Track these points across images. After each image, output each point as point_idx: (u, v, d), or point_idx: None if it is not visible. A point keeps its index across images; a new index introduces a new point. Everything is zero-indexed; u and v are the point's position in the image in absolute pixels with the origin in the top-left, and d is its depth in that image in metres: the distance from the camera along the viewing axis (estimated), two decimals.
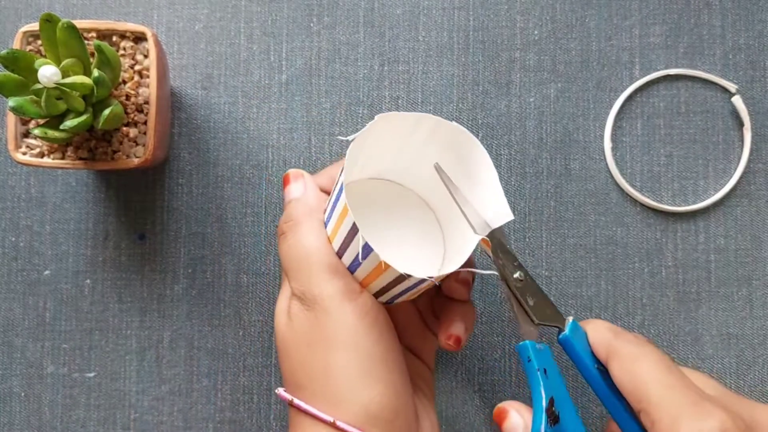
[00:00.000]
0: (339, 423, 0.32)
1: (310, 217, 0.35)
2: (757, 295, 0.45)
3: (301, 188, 0.37)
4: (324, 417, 0.33)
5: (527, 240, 0.45)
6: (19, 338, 0.45)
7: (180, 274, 0.45)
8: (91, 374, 0.45)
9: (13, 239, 0.45)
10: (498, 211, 0.35)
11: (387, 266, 0.32)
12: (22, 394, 0.45)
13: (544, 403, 0.34)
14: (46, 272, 0.45)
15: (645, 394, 0.32)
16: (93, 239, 0.45)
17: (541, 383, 0.34)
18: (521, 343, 0.35)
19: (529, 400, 0.35)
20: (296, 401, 0.34)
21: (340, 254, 0.35)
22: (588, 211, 0.45)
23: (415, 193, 0.41)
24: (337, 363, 0.33)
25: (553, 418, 0.34)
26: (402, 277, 0.32)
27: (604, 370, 0.35)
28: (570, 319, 0.36)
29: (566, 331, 0.36)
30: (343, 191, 0.32)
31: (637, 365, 0.33)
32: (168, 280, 0.45)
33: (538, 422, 0.33)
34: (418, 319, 0.40)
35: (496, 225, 0.35)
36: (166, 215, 0.46)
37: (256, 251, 0.45)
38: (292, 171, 0.38)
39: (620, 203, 0.45)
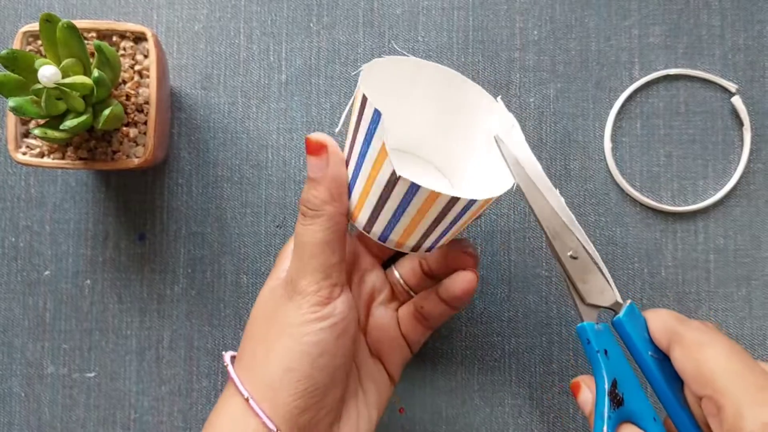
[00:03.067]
0: (251, 402, 0.34)
1: (329, 209, 0.35)
2: (757, 295, 0.45)
3: (323, 167, 0.35)
4: (241, 390, 0.35)
5: (527, 240, 0.45)
6: (18, 338, 0.45)
7: (180, 274, 0.45)
8: (91, 374, 0.45)
9: (13, 239, 0.45)
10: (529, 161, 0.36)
11: (437, 195, 0.32)
12: (22, 394, 0.45)
13: (606, 386, 0.33)
14: (46, 272, 0.45)
15: (710, 381, 0.31)
16: (93, 239, 0.45)
17: (603, 365, 0.34)
18: (579, 324, 0.35)
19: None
20: (229, 366, 0.36)
21: (380, 206, 0.34)
22: (587, 212, 0.45)
23: (419, 156, 0.41)
24: (278, 352, 0.34)
25: (617, 401, 0.33)
26: (448, 207, 0.33)
27: (658, 358, 0.35)
28: (628, 302, 0.36)
29: (621, 314, 0.35)
30: (375, 136, 0.32)
31: (703, 351, 0.32)
32: (168, 280, 0.45)
33: (601, 406, 0.33)
34: (396, 328, 0.41)
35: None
36: (165, 215, 0.46)
37: (256, 251, 0.45)
38: (313, 137, 0.35)
39: (620, 203, 0.45)
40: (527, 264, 0.45)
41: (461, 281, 0.38)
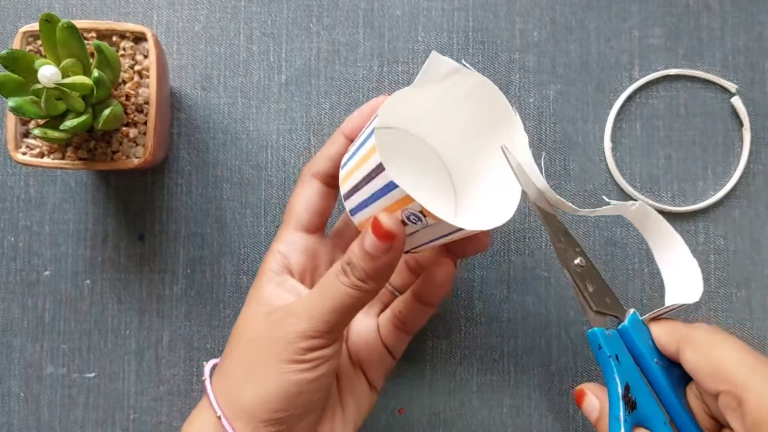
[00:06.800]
0: (224, 420, 0.34)
1: (373, 286, 0.34)
2: (756, 297, 0.45)
3: (384, 251, 0.33)
4: (215, 407, 0.34)
5: (527, 240, 0.45)
6: (18, 339, 0.45)
7: (179, 275, 0.45)
8: (90, 375, 0.45)
9: (12, 239, 0.45)
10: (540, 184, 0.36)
11: (410, 200, 0.32)
12: (21, 394, 0.45)
13: (619, 390, 0.34)
14: (46, 273, 0.45)
15: (727, 376, 0.32)
16: (92, 240, 0.45)
17: (615, 370, 0.34)
18: (590, 330, 0.35)
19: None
20: (206, 381, 0.36)
21: (355, 190, 0.34)
22: None
23: (435, 151, 0.41)
24: (257, 381, 0.34)
25: (631, 405, 0.34)
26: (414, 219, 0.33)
27: (663, 365, 0.35)
28: (631, 310, 0.36)
29: (625, 322, 0.36)
30: (374, 134, 0.33)
31: (716, 349, 0.33)
32: (167, 280, 0.45)
33: (616, 409, 0.33)
34: (377, 336, 0.40)
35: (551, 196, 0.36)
36: (165, 216, 0.46)
37: (256, 252, 0.45)
38: (384, 224, 0.33)
39: None
40: (526, 265, 0.45)
41: (440, 269, 0.38)
